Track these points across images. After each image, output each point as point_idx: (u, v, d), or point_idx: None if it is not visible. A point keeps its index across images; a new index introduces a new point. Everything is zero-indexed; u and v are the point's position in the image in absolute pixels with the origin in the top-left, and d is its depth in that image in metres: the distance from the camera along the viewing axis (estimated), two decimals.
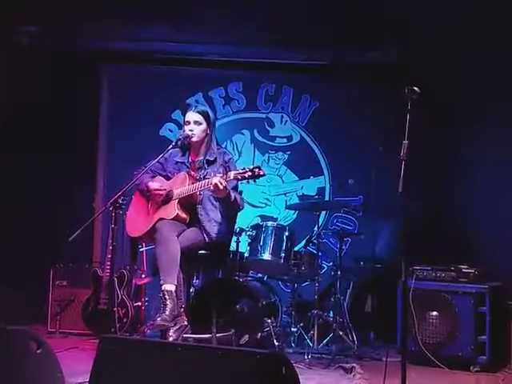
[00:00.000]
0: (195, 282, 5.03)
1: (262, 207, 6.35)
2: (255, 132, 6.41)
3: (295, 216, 6.27)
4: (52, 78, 6.05)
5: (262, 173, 3.98)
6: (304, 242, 5.46)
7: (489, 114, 5.38)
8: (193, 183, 4.32)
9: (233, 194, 4.34)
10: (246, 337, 4.63)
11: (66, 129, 6.22)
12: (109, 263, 4.98)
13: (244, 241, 5.13)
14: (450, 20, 5.39)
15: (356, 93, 6.19)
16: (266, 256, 4.94)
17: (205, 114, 4.53)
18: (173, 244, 4.12)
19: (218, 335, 4.46)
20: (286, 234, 5.04)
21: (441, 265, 4.84)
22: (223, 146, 5.62)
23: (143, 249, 5.46)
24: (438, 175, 5.88)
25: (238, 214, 4.72)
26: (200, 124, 4.50)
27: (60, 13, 5.76)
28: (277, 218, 6.17)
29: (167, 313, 4.01)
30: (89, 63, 6.23)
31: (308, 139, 6.38)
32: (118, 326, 4.83)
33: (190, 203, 4.38)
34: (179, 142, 4.54)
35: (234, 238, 4.99)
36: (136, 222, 4.52)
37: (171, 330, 4.13)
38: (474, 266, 4.76)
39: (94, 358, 2.62)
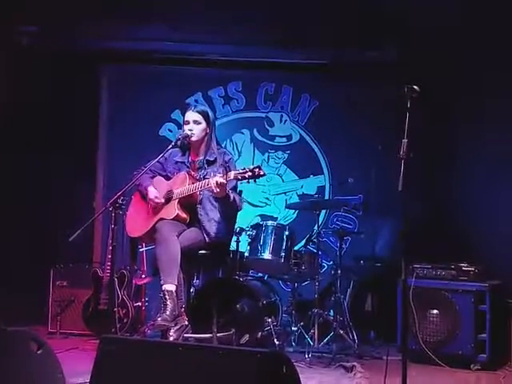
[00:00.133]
0: (195, 281, 5.03)
1: (261, 207, 6.35)
2: (255, 131, 6.41)
3: (295, 215, 6.27)
4: (52, 77, 6.05)
5: (262, 173, 3.98)
6: (304, 241, 5.47)
7: (488, 114, 5.38)
8: (193, 183, 4.32)
9: (232, 195, 4.34)
10: (247, 336, 4.63)
11: (66, 129, 6.22)
12: (109, 263, 4.98)
13: (244, 240, 5.13)
14: (450, 20, 5.39)
15: (356, 92, 6.18)
16: (266, 255, 4.95)
17: (204, 114, 4.52)
18: (173, 244, 4.12)
19: (218, 335, 4.46)
20: (286, 233, 5.04)
21: (441, 263, 4.84)
22: (223, 145, 5.61)
23: (143, 249, 5.46)
24: (437, 174, 5.88)
25: (238, 213, 4.72)
26: (199, 123, 4.50)
27: (60, 13, 5.75)
28: (277, 218, 6.17)
29: (168, 313, 4.01)
30: (88, 63, 6.23)
31: (308, 138, 6.38)
32: (118, 326, 4.83)
33: (190, 203, 4.39)
34: (179, 142, 4.54)
35: (234, 238, 4.99)
36: (136, 222, 4.52)
37: (172, 330, 4.13)
38: (474, 264, 4.76)
39: (94, 359, 2.62)
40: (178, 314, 4.13)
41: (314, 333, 4.95)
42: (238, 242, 5.10)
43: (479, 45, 5.35)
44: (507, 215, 5.23)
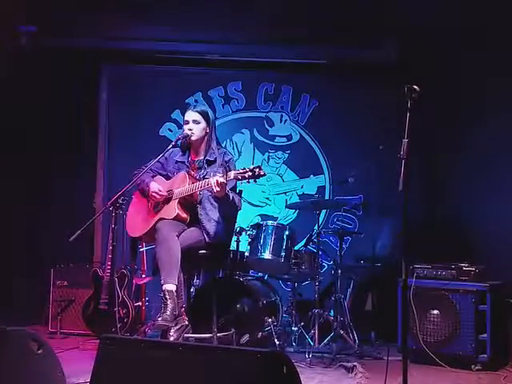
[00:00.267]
0: (195, 281, 5.04)
1: (262, 206, 6.35)
2: (255, 131, 6.41)
3: (295, 215, 6.27)
4: (52, 77, 6.05)
5: (262, 173, 3.97)
6: (304, 241, 5.47)
7: (489, 114, 5.39)
8: (193, 183, 4.31)
9: (231, 194, 4.33)
10: (247, 336, 4.64)
11: (66, 129, 6.23)
12: (109, 263, 4.99)
13: (244, 240, 5.13)
14: (450, 20, 5.39)
15: (356, 92, 6.19)
16: (267, 255, 4.95)
17: (204, 113, 4.52)
18: (173, 244, 4.11)
19: (218, 335, 4.46)
20: (287, 233, 5.04)
21: (441, 263, 4.84)
22: (223, 145, 5.62)
23: (143, 249, 5.46)
24: (437, 174, 5.89)
25: (239, 213, 4.71)
26: (199, 123, 4.49)
27: (60, 12, 5.76)
28: (277, 218, 6.17)
29: (168, 313, 4.00)
30: (89, 63, 6.23)
31: (308, 138, 6.37)
32: (118, 326, 4.82)
33: (190, 203, 4.38)
34: (179, 142, 4.54)
35: (235, 238, 4.99)
36: (136, 222, 4.52)
37: (172, 330, 4.13)
38: (475, 265, 4.76)
39: (94, 358, 2.62)
40: (178, 313, 4.12)
41: (314, 333, 4.95)
42: (238, 241, 5.11)
43: (479, 45, 5.35)
44: (507, 215, 5.23)
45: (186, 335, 4.24)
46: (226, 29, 6.03)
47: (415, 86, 3.27)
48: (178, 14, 5.88)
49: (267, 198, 6.35)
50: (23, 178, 6.05)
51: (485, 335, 4.55)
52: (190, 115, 4.50)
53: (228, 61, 6.31)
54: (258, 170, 3.96)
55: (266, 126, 6.41)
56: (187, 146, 4.57)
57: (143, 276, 5.48)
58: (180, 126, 5.84)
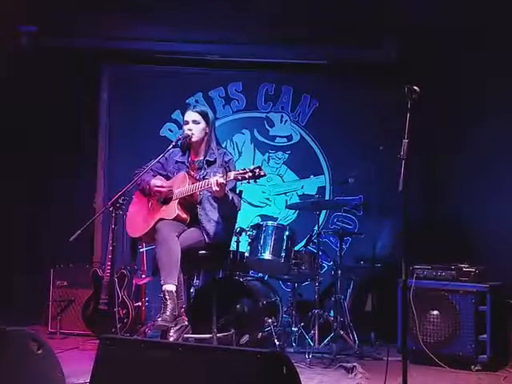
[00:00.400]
0: (195, 282, 5.04)
1: (262, 207, 6.35)
2: (255, 132, 6.41)
3: (295, 215, 6.27)
4: (52, 77, 6.05)
5: (262, 173, 3.97)
6: (304, 241, 5.46)
7: (489, 114, 5.39)
8: (193, 183, 4.30)
9: (230, 195, 4.33)
10: (247, 336, 4.64)
11: (66, 128, 6.23)
12: (109, 263, 4.99)
13: (244, 240, 5.13)
14: (450, 20, 5.39)
15: (356, 92, 6.19)
16: (267, 256, 4.95)
17: (203, 114, 4.51)
18: (173, 244, 4.11)
19: (218, 335, 4.46)
20: (287, 233, 5.04)
21: (441, 264, 4.84)
22: (223, 145, 5.62)
23: (143, 249, 5.46)
24: (437, 174, 5.89)
25: (239, 213, 4.71)
26: (198, 123, 4.48)
27: (60, 12, 5.76)
28: (277, 218, 6.18)
29: (168, 313, 4.00)
30: (89, 63, 6.23)
31: (308, 138, 6.37)
32: (118, 326, 4.82)
33: (190, 203, 4.38)
34: (179, 142, 4.54)
35: (235, 238, 4.99)
36: (136, 222, 4.51)
37: (172, 331, 4.12)
38: (475, 265, 4.76)
39: (94, 359, 2.62)
40: (178, 314, 4.12)
41: (314, 333, 4.95)
42: (238, 242, 5.11)
43: (479, 45, 5.35)
44: (507, 215, 5.23)
45: (185, 335, 4.24)
46: (226, 29, 6.03)
47: (415, 87, 3.27)
48: (178, 14, 5.88)
49: (267, 199, 6.35)
50: (23, 178, 6.05)
51: (485, 336, 4.55)
52: (190, 115, 4.50)
53: (228, 61, 6.31)
54: (258, 170, 3.96)
55: (267, 126, 6.42)
56: (187, 146, 4.57)
57: (143, 276, 5.48)
58: (180, 127, 5.83)
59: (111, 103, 6.42)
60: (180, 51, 6.29)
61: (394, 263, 5.13)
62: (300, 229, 5.53)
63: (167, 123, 6.42)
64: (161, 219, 4.28)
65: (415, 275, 4.78)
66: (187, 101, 6.32)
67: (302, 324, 5.06)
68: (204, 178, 4.35)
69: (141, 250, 5.45)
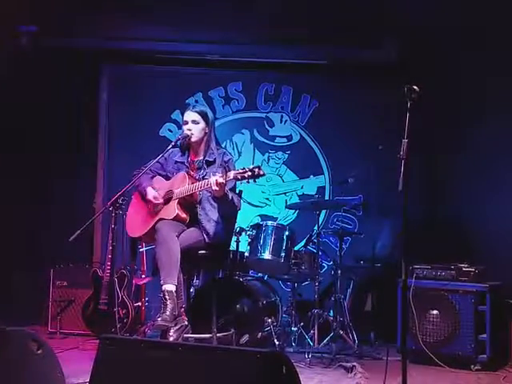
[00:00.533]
0: (195, 281, 5.04)
1: (262, 207, 6.35)
2: (255, 132, 6.41)
3: (295, 215, 6.27)
4: (52, 77, 6.05)
5: (261, 173, 3.97)
6: (304, 241, 5.47)
7: (489, 114, 5.39)
8: (192, 183, 4.31)
9: (230, 194, 4.33)
10: (247, 336, 4.64)
11: (66, 128, 6.23)
12: (109, 263, 5.00)
13: (244, 240, 5.13)
14: (450, 20, 5.40)
15: (356, 92, 6.19)
16: (266, 255, 4.95)
17: (203, 113, 4.51)
18: (173, 244, 4.11)
19: (218, 335, 4.46)
20: (286, 233, 5.04)
21: (441, 263, 4.84)
22: (223, 145, 5.62)
23: (143, 249, 5.46)
24: (438, 174, 5.89)
25: (238, 213, 4.71)
26: (198, 123, 4.48)
27: (60, 12, 5.76)
28: (277, 218, 6.18)
29: (167, 313, 4.00)
30: (89, 63, 6.23)
31: (308, 139, 6.37)
32: (118, 326, 4.83)
33: (189, 203, 4.38)
34: (179, 142, 4.54)
35: (234, 238, 4.99)
36: (136, 222, 4.52)
37: (171, 330, 4.12)
38: (474, 265, 4.76)
39: (94, 359, 2.62)
40: (178, 314, 4.12)
41: (313, 333, 4.95)
42: (237, 242, 5.11)
43: (479, 45, 5.35)
44: (507, 215, 5.23)
45: (185, 335, 4.24)
46: (226, 29, 6.03)
47: (415, 87, 3.27)
48: (178, 14, 5.88)
49: (267, 199, 6.35)
50: (23, 178, 6.05)
51: (484, 335, 4.55)
52: (189, 115, 4.50)
53: (228, 61, 6.31)
54: (257, 169, 3.96)
55: (266, 126, 6.42)
56: (187, 146, 4.57)
57: (143, 276, 5.48)
58: (180, 127, 5.83)
59: (111, 103, 6.42)
60: (180, 51, 6.30)
61: (393, 263, 5.14)
62: (300, 229, 5.53)
63: (167, 123, 6.42)
64: (160, 219, 4.28)
65: (415, 275, 4.78)
66: (187, 101, 6.32)
67: (302, 324, 5.07)
68: (203, 178, 4.35)
69: (140, 249, 5.45)
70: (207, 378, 2.41)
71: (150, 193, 4.44)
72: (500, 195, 5.33)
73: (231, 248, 4.91)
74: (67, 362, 3.36)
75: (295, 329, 5.05)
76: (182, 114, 4.67)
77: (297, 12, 5.76)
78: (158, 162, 4.51)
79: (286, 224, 5.79)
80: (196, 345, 3.71)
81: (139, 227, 4.46)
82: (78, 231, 4.15)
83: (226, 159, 4.49)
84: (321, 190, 6.25)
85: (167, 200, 4.39)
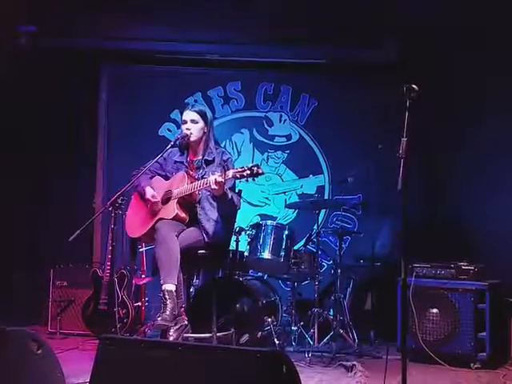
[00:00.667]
0: (195, 281, 5.04)
1: (261, 206, 6.36)
2: (254, 131, 6.41)
3: (295, 215, 6.27)
4: (51, 77, 6.06)
5: (260, 171, 3.96)
6: (304, 240, 5.47)
7: (489, 114, 5.39)
8: (191, 183, 4.30)
9: (229, 193, 4.32)
10: (247, 336, 4.64)
11: (66, 128, 6.23)
12: (109, 263, 5.00)
13: (244, 240, 5.14)
14: (450, 20, 5.40)
15: (355, 92, 6.19)
16: (266, 255, 4.95)
17: (201, 113, 4.50)
18: (173, 244, 4.11)
19: (218, 335, 4.47)
20: (286, 232, 5.05)
21: (440, 262, 4.84)
22: (222, 145, 5.62)
23: (143, 249, 5.46)
24: (437, 174, 5.89)
25: (238, 213, 4.71)
26: (197, 123, 4.47)
27: (60, 12, 5.76)
28: (276, 217, 6.18)
29: (167, 313, 4.00)
30: (88, 63, 6.23)
31: (307, 138, 6.38)
32: (118, 326, 4.83)
33: (189, 203, 4.38)
34: (178, 142, 4.53)
35: (234, 238, 4.99)
36: (135, 222, 4.51)
37: (171, 330, 4.13)
38: (474, 263, 4.76)
39: (94, 359, 2.62)
40: (178, 313, 4.12)
41: (313, 332, 4.96)
42: (237, 241, 5.11)
43: (479, 45, 5.36)
44: (507, 215, 5.24)
45: (185, 335, 4.24)
46: (225, 29, 6.03)
47: (414, 86, 3.27)
48: (177, 14, 5.88)
49: (266, 198, 6.36)
50: (23, 178, 6.05)
51: (484, 334, 4.56)
52: (188, 115, 4.49)
53: (227, 61, 6.31)
54: (256, 168, 3.95)
55: (266, 125, 6.42)
56: (186, 145, 4.57)
57: (143, 276, 5.48)
58: (179, 126, 5.83)
59: (110, 103, 6.42)
60: (180, 51, 6.30)
61: (393, 262, 5.15)
62: (299, 228, 5.54)
63: (166, 123, 6.42)
64: (160, 219, 4.28)
65: (414, 274, 4.79)
66: (186, 100, 6.32)
67: (302, 323, 5.07)
68: (203, 178, 4.35)
69: (140, 249, 5.45)
70: (207, 378, 2.42)
71: (149, 192, 4.44)
72: (500, 195, 5.33)
73: (231, 247, 4.91)
74: (67, 362, 3.36)
75: (295, 328, 5.06)
76: (181, 114, 4.67)
77: (296, 12, 5.76)
78: (157, 162, 4.51)
79: (285, 223, 5.80)
80: (196, 344, 3.71)
81: (139, 227, 4.46)
82: (78, 231, 4.15)
83: (224, 158, 4.49)
84: (320, 189, 6.26)
85: (166, 200, 4.39)
